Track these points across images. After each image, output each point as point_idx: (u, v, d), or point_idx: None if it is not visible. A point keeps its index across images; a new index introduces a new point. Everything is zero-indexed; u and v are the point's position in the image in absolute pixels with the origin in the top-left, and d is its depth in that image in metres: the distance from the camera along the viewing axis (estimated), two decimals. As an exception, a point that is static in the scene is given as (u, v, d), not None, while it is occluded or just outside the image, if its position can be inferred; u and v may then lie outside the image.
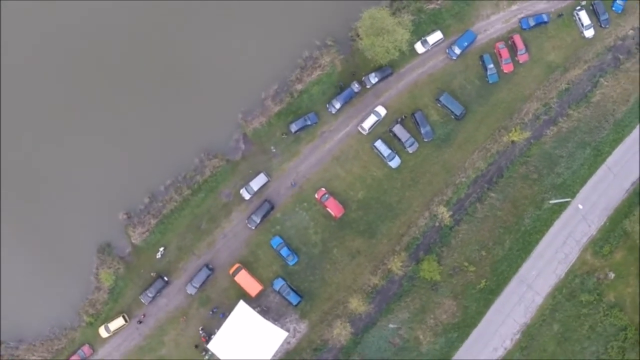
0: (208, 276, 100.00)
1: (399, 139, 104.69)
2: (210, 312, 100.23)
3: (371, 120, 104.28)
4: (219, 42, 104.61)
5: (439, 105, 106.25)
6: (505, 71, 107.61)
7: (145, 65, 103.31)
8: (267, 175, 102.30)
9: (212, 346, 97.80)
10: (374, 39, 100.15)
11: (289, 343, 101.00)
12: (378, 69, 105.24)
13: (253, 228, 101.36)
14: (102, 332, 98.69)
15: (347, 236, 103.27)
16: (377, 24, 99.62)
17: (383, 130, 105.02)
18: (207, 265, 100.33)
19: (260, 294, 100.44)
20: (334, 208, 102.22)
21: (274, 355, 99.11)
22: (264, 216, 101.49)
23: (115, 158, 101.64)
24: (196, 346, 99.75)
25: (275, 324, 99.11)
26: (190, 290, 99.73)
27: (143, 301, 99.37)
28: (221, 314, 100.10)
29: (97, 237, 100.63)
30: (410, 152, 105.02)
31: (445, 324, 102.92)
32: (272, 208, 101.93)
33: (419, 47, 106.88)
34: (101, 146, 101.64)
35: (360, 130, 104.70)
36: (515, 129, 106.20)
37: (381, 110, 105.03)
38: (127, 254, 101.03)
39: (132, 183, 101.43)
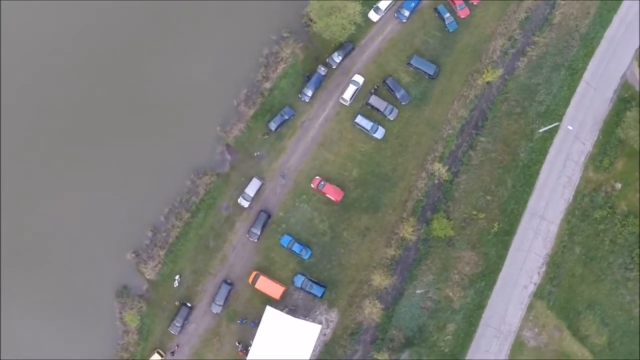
0: (229, 291, 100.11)
1: (378, 110, 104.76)
2: (239, 322, 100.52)
3: (351, 90, 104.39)
4: (180, 65, 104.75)
5: (411, 68, 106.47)
6: (462, 17, 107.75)
7: (115, 103, 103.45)
8: (260, 178, 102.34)
9: (251, 358, 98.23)
10: (327, 20, 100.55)
11: (324, 335, 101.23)
12: (339, 47, 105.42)
13: (256, 241, 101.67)
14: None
15: (353, 217, 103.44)
16: (327, 3, 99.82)
17: (360, 105, 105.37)
18: (225, 281, 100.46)
19: (284, 295, 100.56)
20: (332, 193, 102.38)
21: (314, 351, 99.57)
22: (263, 226, 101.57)
23: (109, 201, 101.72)
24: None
25: (307, 320, 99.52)
26: (216, 309, 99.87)
27: (173, 332, 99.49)
28: (252, 322, 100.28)
29: (112, 282, 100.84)
30: (392, 119, 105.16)
31: (471, 276, 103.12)
32: (269, 217, 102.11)
33: (373, 16, 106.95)
34: (94, 193, 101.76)
35: (342, 102, 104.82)
36: (487, 70, 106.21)
37: (359, 79, 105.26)
38: (145, 291, 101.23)
39: (131, 221, 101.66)
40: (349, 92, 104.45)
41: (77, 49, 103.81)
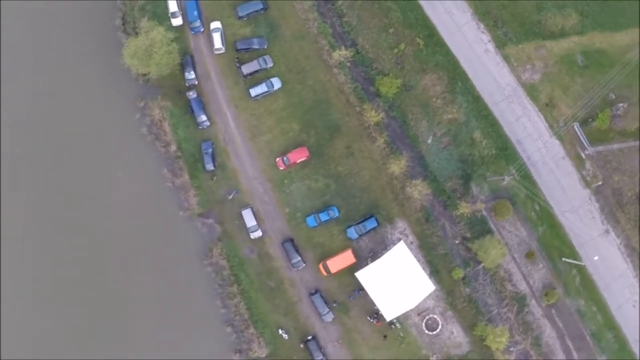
0: (322, 297, 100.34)
1: (256, 71, 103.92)
2: (350, 298, 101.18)
3: (217, 38, 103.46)
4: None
5: (244, 19, 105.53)
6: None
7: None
8: (246, 207, 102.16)
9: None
10: (153, 61, 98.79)
11: (412, 242, 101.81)
12: (182, 67, 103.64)
13: (302, 266, 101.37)
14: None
15: (329, 152, 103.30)
16: (138, 49, 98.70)
17: (243, 77, 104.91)
18: (311, 294, 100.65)
19: (355, 254, 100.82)
20: (299, 155, 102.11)
21: (419, 262, 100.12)
22: (296, 250, 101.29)
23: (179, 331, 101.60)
24: (385, 337, 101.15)
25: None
26: (328, 318, 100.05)
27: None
28: (356, 292, 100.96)
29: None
30: (271, 65, 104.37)
31: (446, 90, 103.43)
32: (292, 240, 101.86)
33: (177, 22, 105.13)
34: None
35: (218, 52, 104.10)
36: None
37: (217, 24, 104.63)
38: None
39: (207, 333, 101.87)
40: (217, 41, 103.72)
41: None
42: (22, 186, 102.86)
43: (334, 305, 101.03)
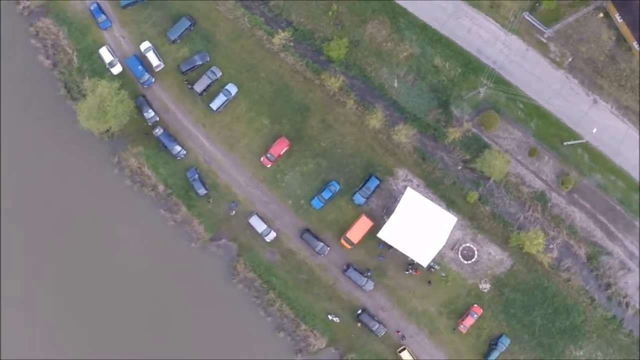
0: (355, 268, 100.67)
1: (209, 86, 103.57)
2: (380, 259, 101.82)
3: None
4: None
5: (177, 42, 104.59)
6: None
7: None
8: (252, 214, 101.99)
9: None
10: (111, 116, 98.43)
11: (418, 185, 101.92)
12: (139, 109, 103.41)
13: (327, 251, 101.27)
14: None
15: (308, 133, 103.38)
16: (91, 109, 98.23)
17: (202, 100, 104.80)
18: (345, 271, 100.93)
19: (369, 218, 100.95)
20: (280, 147, 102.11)
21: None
22: (316, 237, 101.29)
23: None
24: (429, 282, 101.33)
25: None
26: (369, 286, 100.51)
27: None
28: (380, 257, 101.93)
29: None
30: (220, 74, 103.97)
31: (394, 32, 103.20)
32: (309, 230, 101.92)
33: (116, 70, 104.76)
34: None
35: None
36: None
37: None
38: (342, 352, 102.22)
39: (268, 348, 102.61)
40: (153, 59, 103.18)
41: None
42: (39, 261, 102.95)
43: (369, 273, 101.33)
